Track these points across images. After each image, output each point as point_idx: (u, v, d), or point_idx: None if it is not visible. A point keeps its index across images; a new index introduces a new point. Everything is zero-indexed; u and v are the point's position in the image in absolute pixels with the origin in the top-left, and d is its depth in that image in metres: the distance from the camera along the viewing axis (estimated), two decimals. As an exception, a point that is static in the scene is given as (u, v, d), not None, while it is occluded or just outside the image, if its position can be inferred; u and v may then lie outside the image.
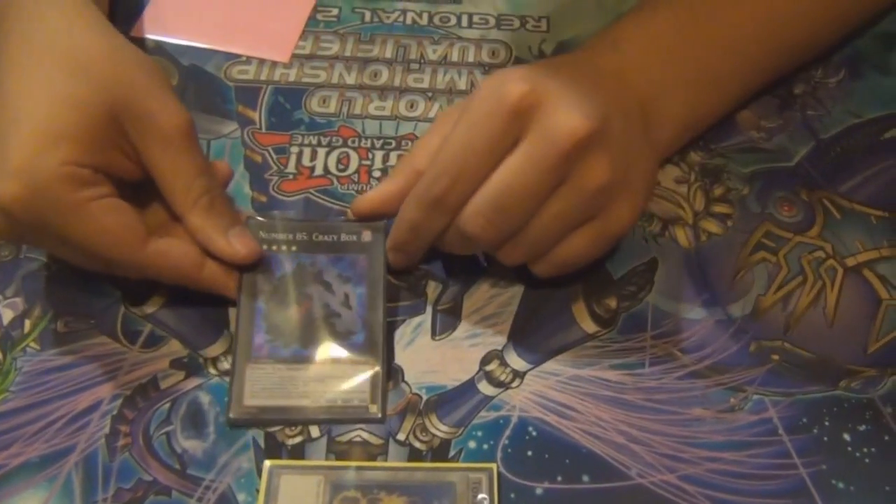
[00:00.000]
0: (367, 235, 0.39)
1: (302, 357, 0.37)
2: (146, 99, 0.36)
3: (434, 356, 0.38)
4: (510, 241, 0.36)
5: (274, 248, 0.39)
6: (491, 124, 0.34)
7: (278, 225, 0.40)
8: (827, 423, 0.37)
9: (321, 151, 0.45)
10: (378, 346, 0.37)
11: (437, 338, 0.39)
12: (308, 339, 0.37)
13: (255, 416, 0.36)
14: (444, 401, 0.37)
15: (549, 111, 0.34)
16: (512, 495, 0.35)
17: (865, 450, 0.36)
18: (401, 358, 0.38)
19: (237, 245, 0.37)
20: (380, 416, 0.36)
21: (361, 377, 0.37)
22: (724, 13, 0.43)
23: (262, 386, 0.36)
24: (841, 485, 0.35)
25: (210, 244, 0.37)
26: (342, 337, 0.37)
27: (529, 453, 0.36)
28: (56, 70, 0.35)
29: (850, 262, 0.42)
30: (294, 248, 0.39)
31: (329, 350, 0.37)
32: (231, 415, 0.36)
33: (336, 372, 0.36)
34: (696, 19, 0.42)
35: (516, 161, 0.34)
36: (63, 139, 0.34)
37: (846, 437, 0.36)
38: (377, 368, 0.37)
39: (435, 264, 0.41)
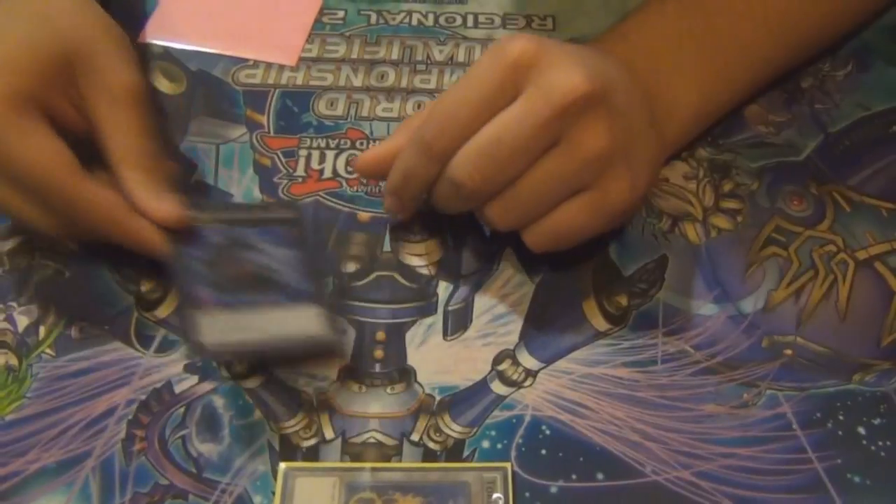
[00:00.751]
0: (288, 213, 0.41)
1: (249, 303, 0.37)
2: (102, 55, 0.38)
3: (446, 356, 0.38)
4: (499, 198, 0.36)
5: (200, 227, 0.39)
6: (487, 75, 0.35)
7: (205, 212, 0.40)
8: (841, 417, 0.37)
9: (330, 154, 0.45)
10: (322, 290, 0.39)
11: (449, 338, 0.39)
12: (252, 290, 0.37)
13: (217, 350, 0.36)
14: (457, 401, 0.37)
15: (550, 68, 0.34)
16: (527, 494, 0.35)
17: (881, 443, 0.36)
18: (413, 358, 0.38)
19: (167, 206, 0.37)
20: (333, 335, 0.37)
21: (311, 311, 0.37)
22: (733, 7, 0.43)
23: (215, 328, 0.36)
24: (857, 479, 0.35)
25: (140, 201, 0.37)
26: (285, 286, 0.38)
27: (543, 452, 0.36)
28: (21, 19, 0.38)
29: (862, 255, 0.41)
30: (221, 227, 0.39)
31: (275, 296, 0.37)
32: (197, 347, 0.36)
33: (286, 310, 0.37)
34: (706, 13, 0.42)
35: (510, 113, 0.34)
36: (12, 70, 0.36)
37: (861, 430, 0.36)
38: (321, 305, 0.37)
39: (445, 265, 0.41)
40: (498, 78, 0.34)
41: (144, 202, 0.37)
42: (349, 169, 0.44)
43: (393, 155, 0.38)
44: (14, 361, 0.38)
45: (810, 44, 0.46)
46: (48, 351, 0.38)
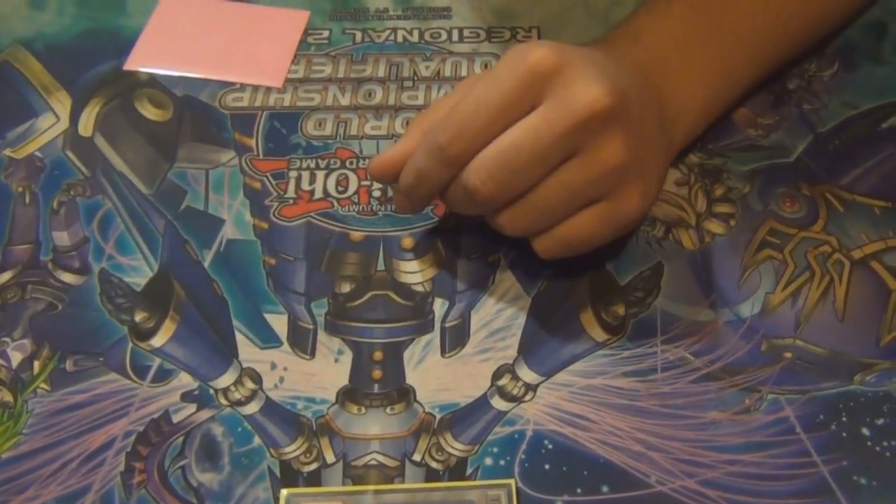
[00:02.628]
0: None
1: None
2: None
3: (445, 374, 0.38)
4: (512, 206, 0.36)
5: None
6: (508, 82, 0.34)
7: None
8: (844, 419, 0.37)
9: (320, 174, 0.45)
10: None
11: (447, 355, 0.39)
12: None
13: None
14: (458, 418, 0.37)
15: (572, 79, 0.34)
16: (532, 510, 0.34)
17: (886, 443, 0.36)
18: (412, 377, 0.38)
19: None
20: None
21: None
22: (735, 6, 0.43)
23: None
24: (863, 480, 0.35)
25: None
26: None
27: (547, 467, 0.35)
28: None
29: (857, 254, 0.41)
30: None
31: None
32: None
33: None
34: (710, 13, 0.42)
35: (530, 121, 0.34)
36: None
37: (865, 431, 0.36)
38: None
39: (440, 281, 0.41)
40: (517, 85, 0.34)
41: None
42: (340, 189, 0.44)
43: (406, 157, 0.38)
44: (9, 398, 0.37)
45: (805, 39, 0.46)
46: (43, 386, 0.38)
